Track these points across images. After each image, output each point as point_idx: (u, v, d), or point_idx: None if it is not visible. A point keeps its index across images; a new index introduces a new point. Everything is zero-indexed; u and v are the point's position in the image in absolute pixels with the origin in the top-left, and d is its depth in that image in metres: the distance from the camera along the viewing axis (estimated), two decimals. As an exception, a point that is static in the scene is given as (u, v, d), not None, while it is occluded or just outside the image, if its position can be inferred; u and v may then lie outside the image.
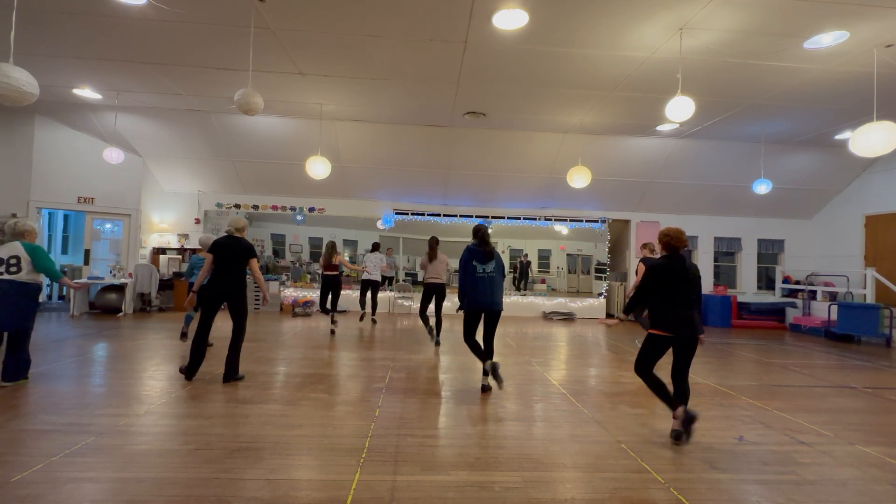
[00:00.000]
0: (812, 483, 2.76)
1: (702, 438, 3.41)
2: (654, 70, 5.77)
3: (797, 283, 10.87)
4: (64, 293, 10.00)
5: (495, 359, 4.49)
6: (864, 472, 2.93)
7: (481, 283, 4.44)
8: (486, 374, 4.46)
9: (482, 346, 4.50)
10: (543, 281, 13.38)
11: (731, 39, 4.99)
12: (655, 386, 3.40)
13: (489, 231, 4.66)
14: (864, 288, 9.30)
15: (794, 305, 10.54)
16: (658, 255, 3.66)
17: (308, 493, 2.43)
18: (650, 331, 3.40)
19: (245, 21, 4.90)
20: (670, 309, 3.31)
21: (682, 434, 3.28)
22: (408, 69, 6.07)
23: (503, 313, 4.66)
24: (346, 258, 12.40)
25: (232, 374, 4.48)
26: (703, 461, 3.01)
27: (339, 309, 10.05)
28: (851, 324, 8.63)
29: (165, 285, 9.87)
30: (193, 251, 9.86)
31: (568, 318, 10.60)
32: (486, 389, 4.44)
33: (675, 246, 3.40)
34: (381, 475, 2.65)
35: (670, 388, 3.40)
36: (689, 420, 3.26)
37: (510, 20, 4.71)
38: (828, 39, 4.90)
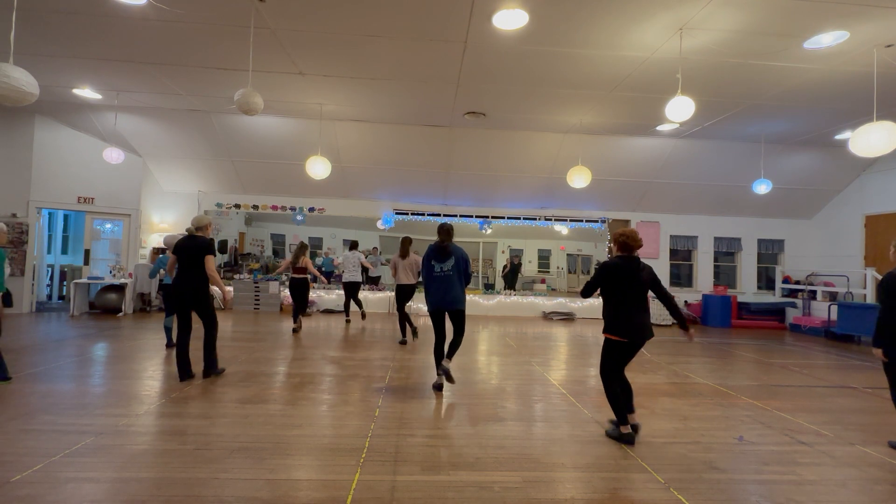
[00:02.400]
0: (812, 483, 2.76)
1: (702, 438, 3.41)
2: (654, 70, 5.77)
3: (797, 283, 10.86)
4: (64, 293, 10.01)
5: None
6: (864, 472, 2.94)
7: (436, 283, 4.44)
8: (440, 373, 4.45)
9: (444, 353, 4.48)
10: (543, 281, 13.38)
11: (731, 39, 4.99)
12: (613, 397, 3.34)
13: (452, 229, 4.58)
14: (864, 288, 9.30)
15: (794, 305, 10.54)
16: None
17: (308, 493, 2.43)
18: (605, 335, 3.39)
19: (245, 21, 4.90)
20: (625, 313, 3.29)
21: (626, 438, 3.27)
22: (408, 69, 6.07)
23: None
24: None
25: (210, 368, 4.53)
26: (703, 461, 3.01)
27: (339, 309, 10.13)
28: (851, 324, 8.62)
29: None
30: (161, 251, 9.68)
31: (568, 318, 10.60)
32: (438, 388, 4.42)
33: (631, 245, 3.38)
34: (381, 475, 2.65)
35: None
36: (626, 439, 3.31)
37: (510, 20, 4.71)
38: (828, 39, 4.90)
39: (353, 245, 8.75)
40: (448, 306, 4.42)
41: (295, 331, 7.41)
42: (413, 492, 2.48)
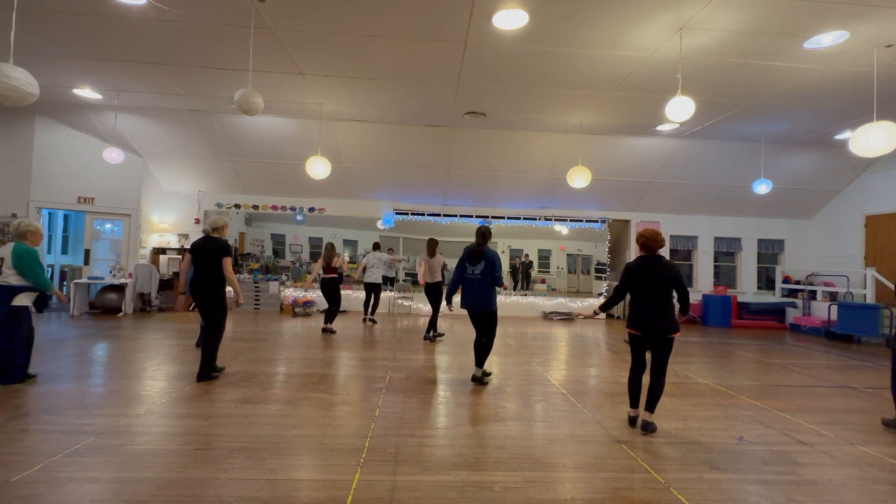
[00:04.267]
0: (812, 483, 2.76)
1: (702, 438, 3.41)
2: (654, 70, 5.77)
3: (797, 283, 10.86)
4: (64, 293, 10.01)
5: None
6: (864, 472, 2.94)
7: (468, 285, 4.65)
8: (478, 366, 4.78)
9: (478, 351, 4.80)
10: (543, 281, 13.37)
11: (731, 39, 4.99)
12: (632, 384, 3.63)
13: (489, 233, 4.75)
14: (864, 288, 9.30)
15: (794, 305, 10.54)
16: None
17: (308, 493, 2.43)
18: (628, 330, 3.62)
19: (245, 21, 4.90)
20: (641, 308, 3.50)
21: (637, 422, 3.58)
22: (408, 69, 6.07)
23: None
24: (346, 258, 12.41)
25: (206, 373, 4.46)
26: (703, 461, 3.01)
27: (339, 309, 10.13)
28: (851, 324, 8.62)
29: (165, 285, 9.87)
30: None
31: (568, 318, 10.60)
32: (474, 380, 4.71)
33: (652, 247, 3.53)
34: (381, 475, 2.65)
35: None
36: (645, 427, 3.50)
37: (510, 20, 4.71)
38: (828, 39, 4.90)
39: (376, 246, 8.78)
40: (477, 308, 4.62)
41: (331, 332, 7.39)
42: (413, 492, 2.48)
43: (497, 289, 4.70)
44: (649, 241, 3.50)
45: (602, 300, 3.85)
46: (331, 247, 7.59)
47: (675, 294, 3.53)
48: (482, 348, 4.72)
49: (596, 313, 3.90)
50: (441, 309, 7.00)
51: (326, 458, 2.86)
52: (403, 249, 12.11)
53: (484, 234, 4.65)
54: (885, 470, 2.98)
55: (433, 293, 7.16)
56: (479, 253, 4.58)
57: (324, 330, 7.45)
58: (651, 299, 3.45)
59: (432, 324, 7.15)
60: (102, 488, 2.41)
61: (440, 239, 7.23)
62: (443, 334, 7.37)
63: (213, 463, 2.72)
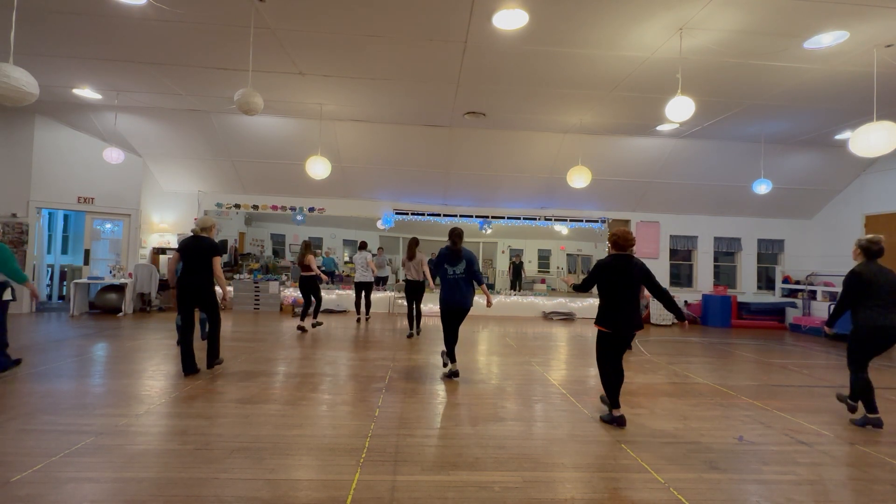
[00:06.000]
0: (812, 483, 2.76)
1: (702, 438, 3.41)
2: (654, 70, 5.77)
3: (797, 283, 10.86)
4: (64, 293, 10.01)
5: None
6: (864, 472, 2.93)
7: (450, 285, 4.75)
8: (452, 362, 4.91)
9: (452, 345, 4.93)
10: (543, 281, 13.38)
11: (731, 39, 4.99)
12: (605, 382, 3.68)
13: (463, 233, 4.89)
14: (864, 288, 9.28)
15: (794, 305, 10.53)
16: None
17: (308, 493, 2.43)
18: (596, 326, 3.70)
19: (245, 21, 4.90)
20: (612, 308, 3.57)
21: (618, 420, 3.60)
22: (408, 69, 6.07)
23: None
24: (347, 258, 12.42)
25: (213, 359, 4.77)
26: (703, 461, 3.01)
27: (339, 308, 10.15)
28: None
29: (165, 285, 9.86)
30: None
31: (568, 318, 10.60)
32: (452, 375, 4.85)
33: (622, 245, 3.63)
34: (381, 475, 2.65)
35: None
36: (618, 421, 3.57)
37: (510, 20, 4.71)
38: (828, 39, 4.90)
39: (363, 245, 8.78)
40: (460, 305, 4.75)
41: (302, 329, 7.40)
42: (413, 492, 2.48)
43: (479, 286, 4.87)
44: (620, 240, 3.61)
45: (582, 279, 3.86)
46: (305, 245, 7.54)
47: (645, 294, 3.61)
48: (453, 344, 4.88)
49: (574, 284, 3.93)
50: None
51: (326, 458, 2.86)
52: (403, 249, 12.11)
53: (460, 235, 4.80)
54: (885, 470, 2.98)
55: (415, 291, 7.36)
56: (458, 253, 4.73)
57: (300, 328, 7.41)
58: (624, 299, 3.54)
59: (417, 320, 7.43)
60: (102, 488, 2.41)
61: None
62: (411, 335, 7.37)
63: (213, 463, 2.72)
